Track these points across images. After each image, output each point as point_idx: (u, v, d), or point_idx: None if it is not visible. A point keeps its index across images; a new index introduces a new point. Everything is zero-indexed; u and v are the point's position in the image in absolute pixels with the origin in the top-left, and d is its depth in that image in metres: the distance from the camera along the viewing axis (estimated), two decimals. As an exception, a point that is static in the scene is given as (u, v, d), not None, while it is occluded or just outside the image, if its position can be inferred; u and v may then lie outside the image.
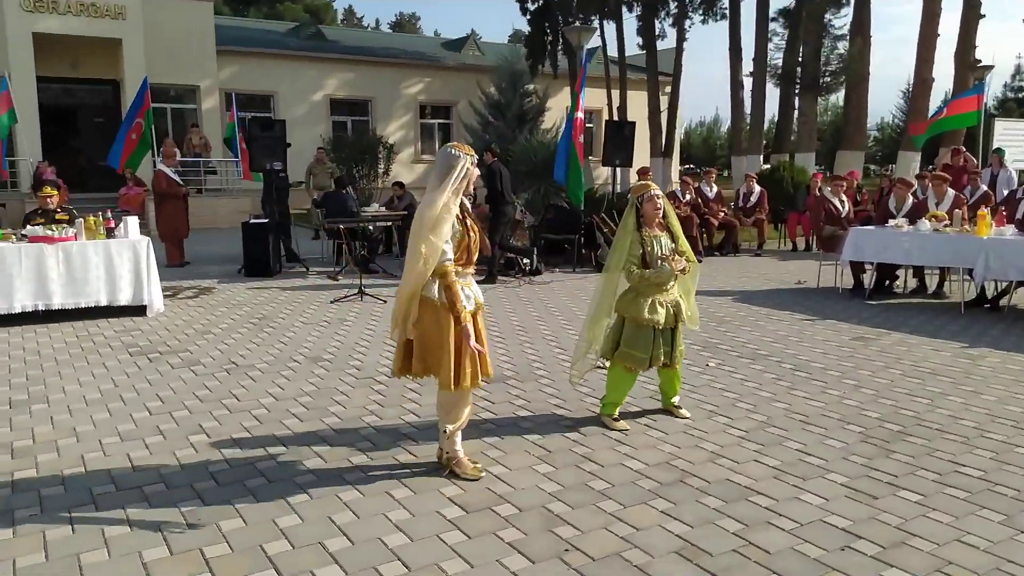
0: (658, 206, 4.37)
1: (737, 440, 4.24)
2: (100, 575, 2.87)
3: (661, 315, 4.33)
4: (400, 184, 13.06)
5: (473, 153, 3.64)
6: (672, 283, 4.42)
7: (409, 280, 3.53)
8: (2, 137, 12.76)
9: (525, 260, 10.39)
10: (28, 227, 7.52)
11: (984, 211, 7.79)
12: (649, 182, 4.58)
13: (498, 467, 3.87)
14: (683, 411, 4.64)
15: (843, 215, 9.64)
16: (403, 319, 3.63)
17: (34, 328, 7.03)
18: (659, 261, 4.32)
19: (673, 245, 4.43)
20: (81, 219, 7.64)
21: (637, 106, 24.04)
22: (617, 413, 4.51)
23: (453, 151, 3.57)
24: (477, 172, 3.65)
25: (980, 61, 19.50)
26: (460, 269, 3.60)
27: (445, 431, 3.74)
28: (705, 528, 3.21)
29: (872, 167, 38.45)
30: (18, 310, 7.09)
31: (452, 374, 3.54)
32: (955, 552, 3.00)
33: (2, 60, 16.71)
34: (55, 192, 8.51)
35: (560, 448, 4.13)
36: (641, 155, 22.55)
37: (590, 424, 4.49)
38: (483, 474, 3.73)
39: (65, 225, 7.60)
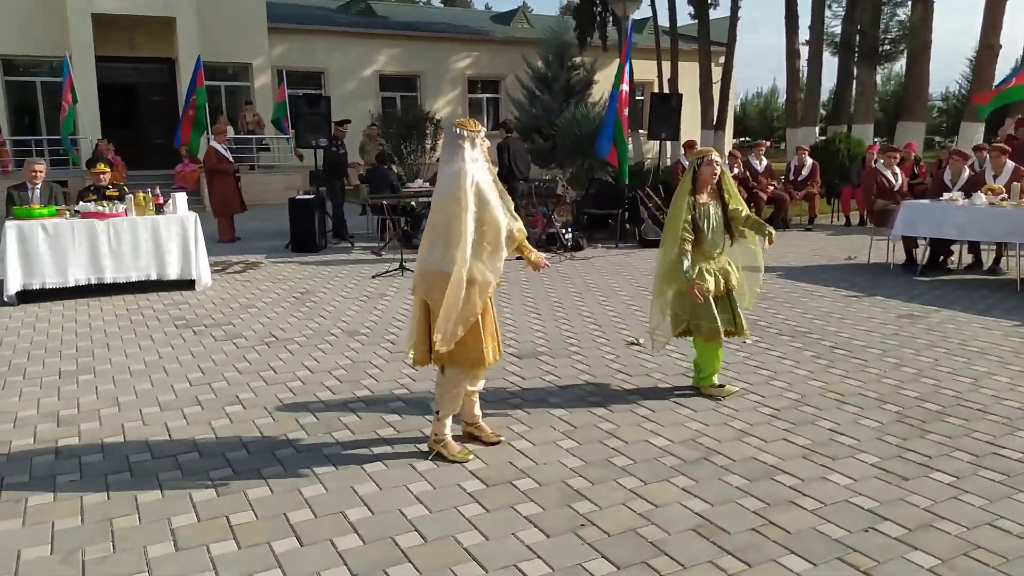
0: (715, 171, 4.36)
1: (767, 418, 4.17)
2: (130, 539, 2.98)
3: (710, 282, 4.35)
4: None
5: (476, 128, 3.54)
6: (719, 251, 4.44)
7: (458, 265, 3.40)
8: (68, 130, 13.22)
9: (567, 235, 10.34)
10: (80, 203, 7.77)
11: (1044, 184, 7.45)
12: (711, 148, 4.56)
13: (522, 441, 3.89)
14: (728, 387, 4.58)
15: (896, 188, 9.32)
16: (466, 315, 3.49)
17: (87, 302, 7.29)
18: (712, 237, 4.36)
19: (722, 215, 4.42)
20: (131, 195, 7.86)
21: (689, 77, 23.59)
22: (713, 383, 4.56)
23: (456, 129, 3.54)
24: (487, 143, 3.59)
25: (1053, 25, 18.53)
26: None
27: (437, 413, 3.74)
28: (725, 507, 3.18)
29: (937, 139, 37.07)
30: (72, 284, 7.36)
31: (473, 352, 3.56)
32: (984, 536, 2.92)
33: (63, 41, 17.23)
34: (108, 169, 8.78)
35: (586, 424, 4.12)
36: (691, 128, 22.19)
37: (618, 402, 4.47)
38: (471, 457, 3.67)
39: (116, 201, 7.83)
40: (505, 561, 2.79)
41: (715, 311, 4.36)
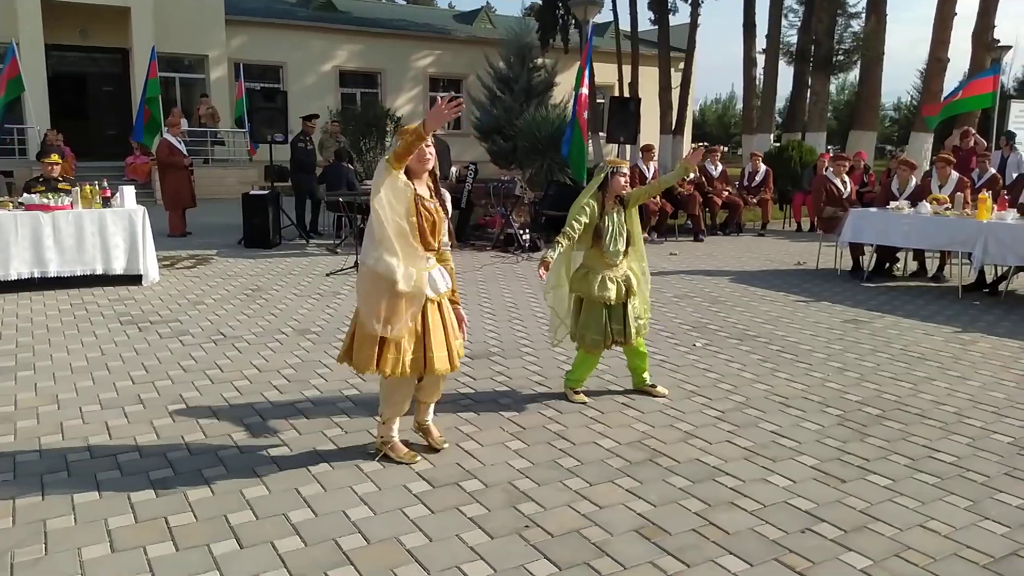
0: (624, 184, 4.40)
1: (713, 420, 4.24)
2: (64, 541, 2.91)
3: (612, 291, 4.36)
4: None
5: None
6: (621, 258, 4.44)
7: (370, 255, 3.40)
8: (4, 102, 12.82)
9: (524, 236, 10.36)
10: (26, 195, 7.56)
11: (985, 195, 7.68)
12: (624, 160, 4.59)
13: (471, 443, 3.89)
14: (659, 389, 4.64)
15: (844, 196, 9.53)
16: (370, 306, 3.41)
17: (30, 296, 7.10)
18: (615, 247, 4.38)
19: (624, 223, 4.45)
20: (78, 188, 7.67)
21: (650, 82, 23.81)
22: (579, 387, 4.59)
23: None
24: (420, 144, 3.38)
25: (998, 41, 19.10)
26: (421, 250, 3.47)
27: (380, 415, 3.70)
28: (668, 507, 3.22)
29: (888, 147, 37.97)
30: (14, 277, 7.15)
31: (359, 355, 3.48)
32: (916, 537, 3.00)
33: (11, 27, 16.71)
34: (60, 160, 8.56)
35: (535, 425, 4.13)
36: (651, 132, 22.41)
37: (568, 402, 4.49)
38: (418, 459, 3.63)
39: (62, 194, 7.64)
40: (448, 563, 2.79)
41: (604, 322, 4.36)
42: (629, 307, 4.45)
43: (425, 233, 3.47)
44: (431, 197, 3.54)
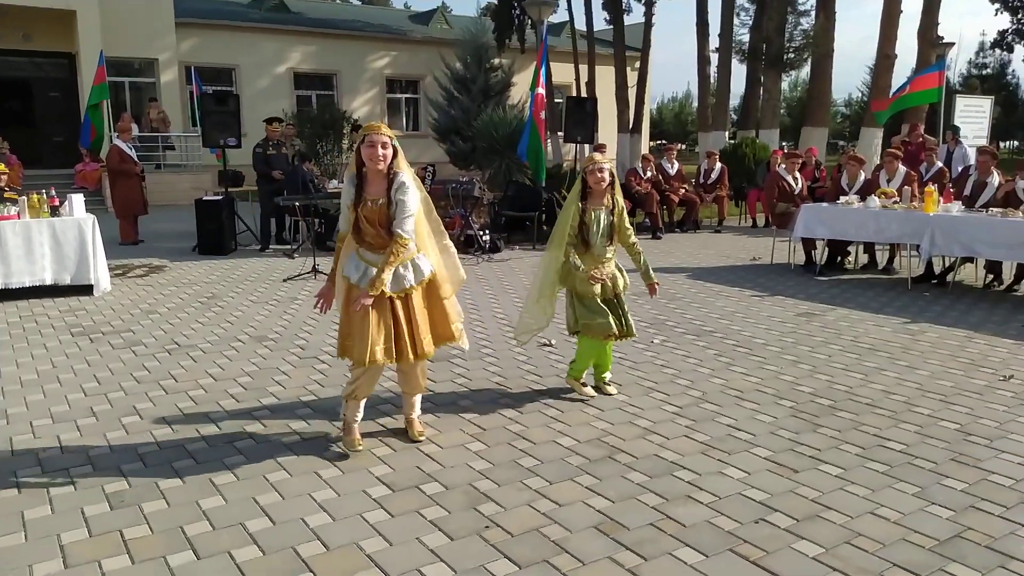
0: (601, 179, 4.43)
1: (671, 416, 4.30)
2: (15, 558, 2.85)
3: (596, 287, 4.42)
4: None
5: (371, 130, 3.61)
6: (608, 256, 4.51)
7: None
8: None
9: (484, 237, 10.37)
10: (-31, 205, 7.36)
11: (931, 188, 7.90)
12: (596, 156, 4.60)
13: (431, 445, 3.89)
14: (610, 388, 4.72)
15: (796, 192, 9.72)
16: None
17: (-24, 308, 6.91)
18: (600, 244, 4.43)
19: (611, 220, 4.49)
20: (25, 197, 7.49)
21: (606, 81, 23.95)
22: (584, 378, 4.66)
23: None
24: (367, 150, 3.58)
25: (942, 38, 19.63)
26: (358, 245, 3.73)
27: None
28: (626, 503, 3.26)
29: (841, 143, 38.77)
30: (-41, 290, 6.96)
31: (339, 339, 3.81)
32: (865, 524, 3.08)
33: (-50, 32, 16.26)
34: (6, 170, 8.35)
35: (495, 426, 4.15)
36: (608, 131, 22.58)
37: (528, 403, 4.52)
38: (360, 448, 3.79)
39: (10, 204, 7.45)
40: (408, 566, 2.79)
41: (606, 309, 4.47)
42: (624, 301, 4.57)
43: (367, 229, 3.65)
44: (380, 196, 3.63)
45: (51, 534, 3.02)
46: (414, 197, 3.67)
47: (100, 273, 7.57)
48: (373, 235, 3.65)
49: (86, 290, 7.52)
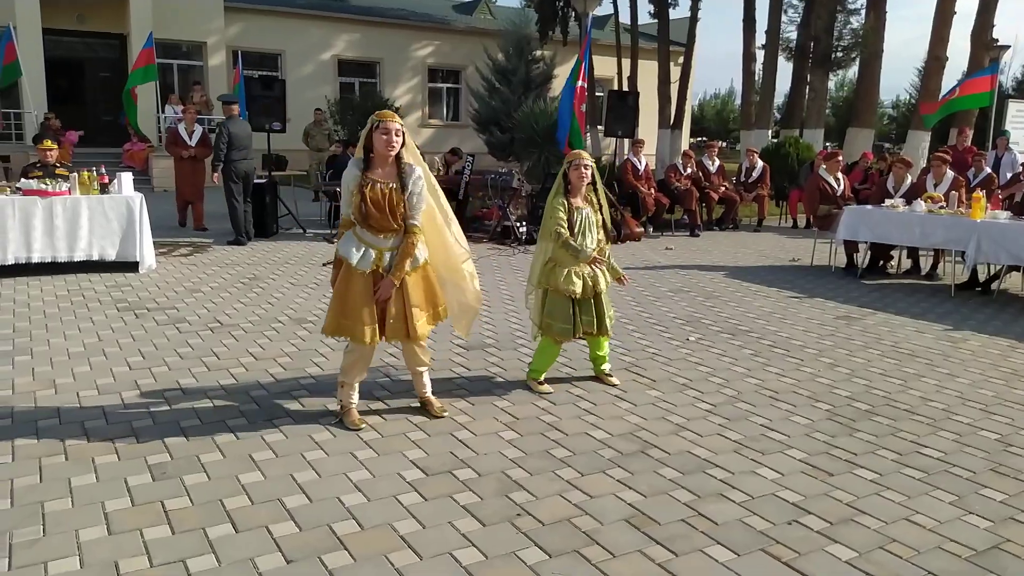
0: (582, 175, 4.42)
1: (704, 413, 4.29)
2: (59, 522, 2.95)
3: (578, 285, 4.41)
4: (455, 151, 12.44)
5: (385, 117, 3.71)
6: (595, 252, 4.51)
7: None
8: (2, 87, 12.69)
9: (521, 228, 10.39)
10: (23, 180, 7.57)
11: (979, 194, 7.73)
12: (581, 152, 4.57)
13: (464, 432, 3.93)
14: (613, 379, 4.74)
15: (838, 193, 9.58)
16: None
17: (27, 280, 7.12)
18: (583, 241, 4.42)
19: (598, 217, 4.52)
20: (75, 174, 7.68)
21: (649, 76, 23.76)
22: (542, 378, 4.66)
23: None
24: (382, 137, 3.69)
25: (997, 41, 19.14)
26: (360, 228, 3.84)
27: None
28: (658, 498, 3.27)
29: (886, 145, 38.04)
30: (11, 262, 7.18)
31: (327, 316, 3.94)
32: (900, 530, 3.05)
33: (7, 11, 16.64)
34: (55, 146, 8.54)
35: (528, 416, 4.18)
36: (649, 126, 22.41)
37: (561, 394, 4.54)
38: (363, 426, 3.91)
39: (61, 180, 7.64)
40: (440, 548, 2.83)
41: (573, 313, 4.43)
42: (604, 299, 4.54)
43: (371, 212, 3.73)
44: (390, 180, 3.75)
45: (95, 501, 3.12)
46: (425, 190, 3.86)
47: (146, 251, 7.75)
48: (378, 218, 3.74)
49: (131, 267, 7.70)
